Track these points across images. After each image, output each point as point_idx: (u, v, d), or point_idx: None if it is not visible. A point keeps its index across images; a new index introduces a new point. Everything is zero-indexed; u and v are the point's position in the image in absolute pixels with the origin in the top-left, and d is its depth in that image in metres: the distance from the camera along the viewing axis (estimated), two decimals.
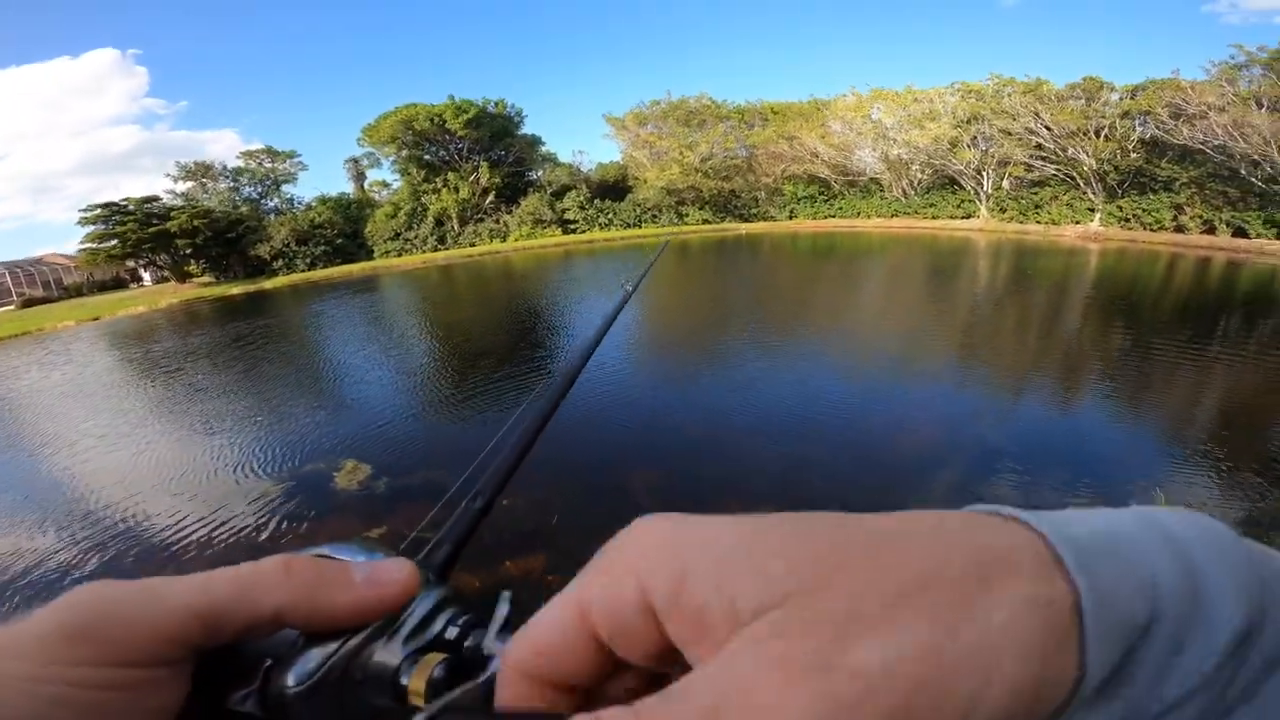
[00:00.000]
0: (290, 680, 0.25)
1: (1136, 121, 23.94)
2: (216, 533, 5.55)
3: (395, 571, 0.27)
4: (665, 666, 0.20)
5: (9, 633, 0.23)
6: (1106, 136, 24.13)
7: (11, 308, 31.62)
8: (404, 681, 0.26)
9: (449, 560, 0.32)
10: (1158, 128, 22.84)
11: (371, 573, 0.27)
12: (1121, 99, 24.40)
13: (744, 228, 35.98)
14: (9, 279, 33.33)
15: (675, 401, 7.81)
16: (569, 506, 5.30)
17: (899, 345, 9.96)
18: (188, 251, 31.90)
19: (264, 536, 5.39)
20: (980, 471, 5.42)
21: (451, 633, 0.28)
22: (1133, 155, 23.91)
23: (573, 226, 37.51)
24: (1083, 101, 24.88)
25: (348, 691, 0.26)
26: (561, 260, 28.18)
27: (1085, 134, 24.41)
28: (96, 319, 24.57)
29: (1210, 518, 0.20)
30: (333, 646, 0.26)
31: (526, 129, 38.50)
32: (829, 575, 0.17)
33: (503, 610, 0.28)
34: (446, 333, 14.40)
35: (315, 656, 0.26)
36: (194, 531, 5.61)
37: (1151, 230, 23.26)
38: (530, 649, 0.22)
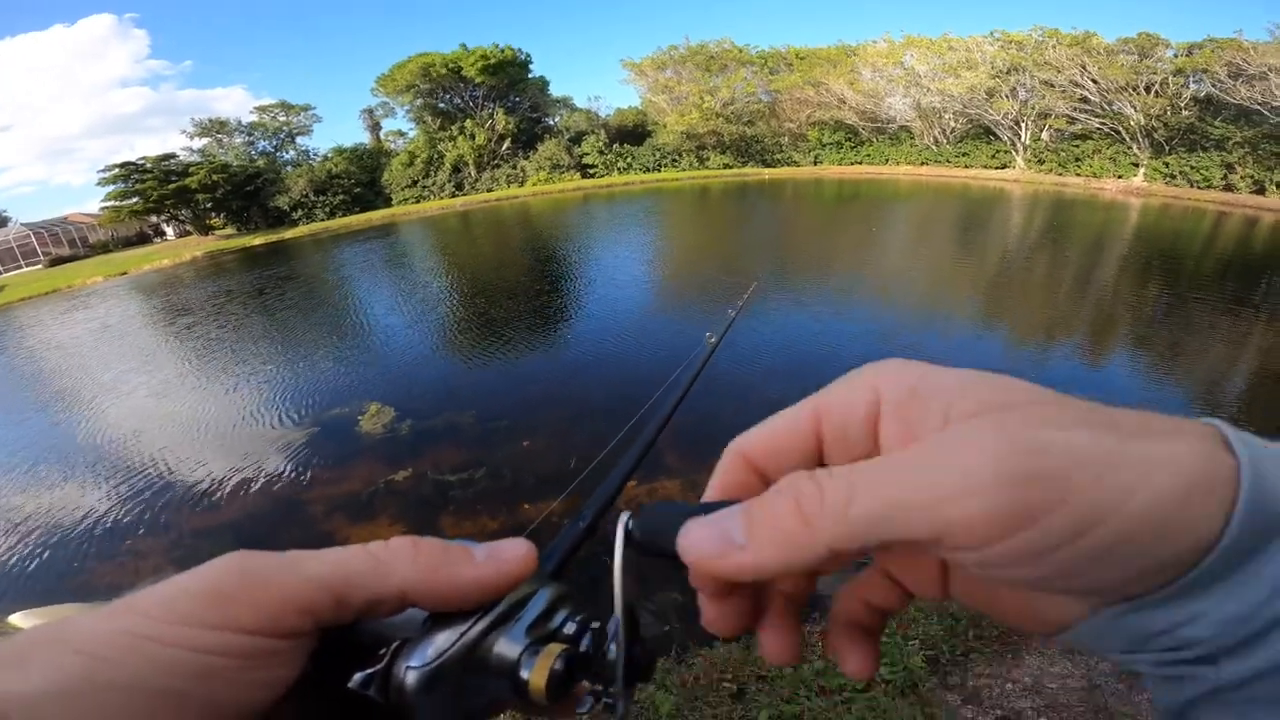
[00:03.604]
0: (415, 661, 0.25)
1: (1191, 79, 22.87)
2: (246, 478, 5.71)
3: (515, 548, 0.28)
4: None
5: (148, 590, 0.23)
6: (1157, 92, 23.09)
7: (39, 267, 32.21)
8: (524, 675, 0.26)
9: (560, 565, 0.35)
10: (1214, 86, 21.92)
11: (492, 550, 0.28)
12: (1177, 55, 23.21)
13: (766, 173, 35.05)
14: (34, 239, 33.74)
15: (689, 343, 7.74)
16: (586, 450, 5.34)
17: (917, 296, 9.72)
18: (208, 205, 32.19)
19: (294, 482, 5.55)
20: None
21: (570, 628, 0.28)
22: (1184, 112, 22.90)
23: (591, 171, 36.89)
24: (1135, 56, 23.71)
25: (469, 679, 0.26)
26: (580, 205, 27.84)
27: (1135, 89, 23.37)
28: (124, 274, 25.03)
29: None
30: (459, 629, 0.26)
31: (536, 73, 37.66)
32: (1030, 402, 0.21)
33: (616, 620, 0.28)
34: (464, 277, 14.37)
35: (441, 638, 0.26)
36: (223, 478, 5.78)
37: (1199, 188, 22.37)
38: (764, 438, 0.26)
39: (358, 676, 0.26)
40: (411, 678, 0.25)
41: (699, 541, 0.23)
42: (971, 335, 8.01)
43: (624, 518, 0.27)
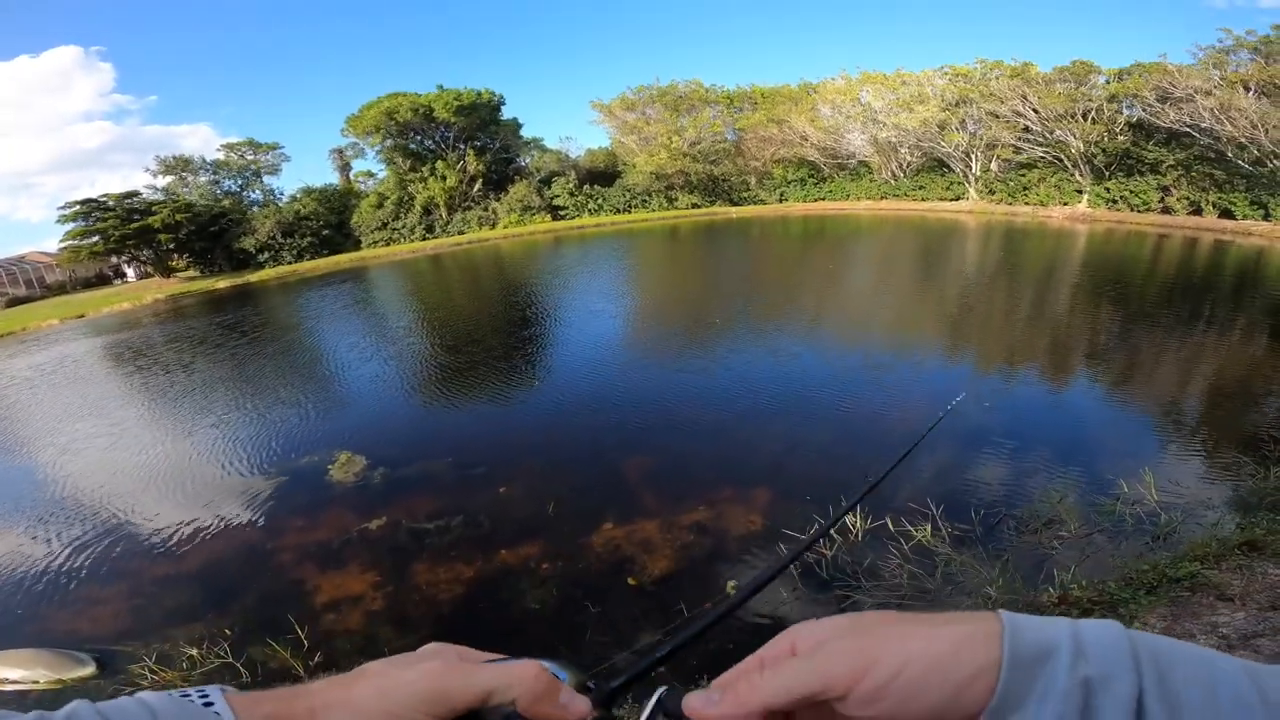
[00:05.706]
0: None
1: (1123, 104, 23.98)
2: (211, 527, 5.52)
3: (582, 704, 0.43)
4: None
5: (392, 679, 0.42)
6: (1094, 119, 24.20)
7: None
8: None
9: (622, 686, 0.45)
10: (1144, 110, 22.92)
11: (571, 699, 0.43)
12: (1109, 82, 24.42)
13: (733, 211, 35.91)
14: None
15: (665, 386, 7.80)
16: (565, 495, 5.32)
17: (885, 328, 10.00)
18: (171, 246, 31.44)
19: (261, 530, 5.39)
20: (971, 450, 5.46)
21: None
22: (1120, 138, 24.00)
23: (562, 213, 37.27)
24: (1071, 85, 24.90)
25: None
26: (551, 247, 28.00)
27: (1072, 117, 24.48)
28: (81, 316, 24.23)
29: (1114, 624, 0.33)
30: None
31: (508, 114, 38.09)
32: (876, 621, 0.37)
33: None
34: (436, 324, 14.29)
35: None
36: (186, 527, 5.59)
37: (1139, 211, 23.45)
38: (773, 646, 0.41)
39: None
40: None
41: (693, 704, 0.39)
42: (942, 364, 8.25)
43: (659, 690, 0.41)
